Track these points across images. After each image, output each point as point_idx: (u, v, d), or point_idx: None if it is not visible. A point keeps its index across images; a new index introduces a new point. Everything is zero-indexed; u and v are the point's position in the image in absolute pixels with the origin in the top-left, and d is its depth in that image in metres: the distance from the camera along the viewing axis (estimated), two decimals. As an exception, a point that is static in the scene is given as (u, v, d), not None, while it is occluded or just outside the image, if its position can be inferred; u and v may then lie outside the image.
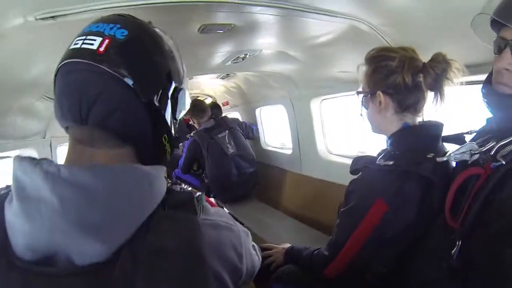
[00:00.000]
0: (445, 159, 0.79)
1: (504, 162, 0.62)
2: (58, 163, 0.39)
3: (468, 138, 0.85)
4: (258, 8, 0.96)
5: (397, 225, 0.84)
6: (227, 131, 2.62)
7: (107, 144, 0.45)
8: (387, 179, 0.86)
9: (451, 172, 0.84)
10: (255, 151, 2.95)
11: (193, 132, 2.70)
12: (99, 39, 0.43)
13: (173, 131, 0.52)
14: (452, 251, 0.69)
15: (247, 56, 1.65)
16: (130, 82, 0.44)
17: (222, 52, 1.56)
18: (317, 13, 1.02)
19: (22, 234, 0.38)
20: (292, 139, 2.54)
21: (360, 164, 0.99)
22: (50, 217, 0.37)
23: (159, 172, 0.45)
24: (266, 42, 1.43)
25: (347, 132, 2.65)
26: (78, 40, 0.45)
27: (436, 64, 0.83)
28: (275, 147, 3.05)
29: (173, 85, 0.50)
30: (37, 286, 0.36)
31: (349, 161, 1.98)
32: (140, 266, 0.38)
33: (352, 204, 0.91)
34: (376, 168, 0.90)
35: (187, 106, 0.56)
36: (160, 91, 0.48)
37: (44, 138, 1.77)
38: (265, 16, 1.05)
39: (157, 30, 0.51)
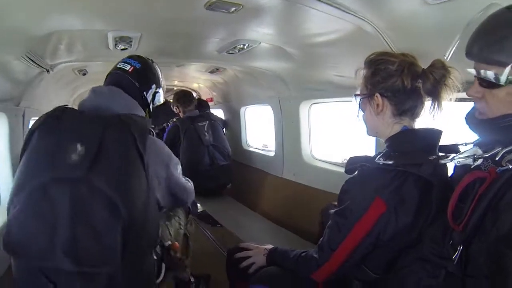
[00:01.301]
0: (448, 161, 0.78)
1: (511, 166, 0.62)
2: None
3: (462, 149, 0.85)
4: None
5: (394, 226, 0.81)
6: (207, 122, 2.73)
7: None
8: (386, 178, 0.83)
9: (449, 177, 0.83)
10: (235, 151, 2.88)
11: (176, 118, 2.86)
12: (128, 65, 1.15)
13: (151, 109, 1.22)
14: (453, 256, 0.67)
15: (245, 47, 1.60)
16: (137, 83, 1.14)
17: (220, 38, 1.50)
18: (329, 5, 1.00)
19: (91, 102, 1.03)
20: (276, 142, 2.51)
21: (357, 163, 0.96)
22: (105, 95, 1.05)
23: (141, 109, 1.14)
24: (267, 33, 1.39)
25: (332, 140, 2.68)
26: (120, 63, 1.16)
27: (435, 70, 0.83)
28: (257, 148, 3.00)
29: (154, 88, 1.20)
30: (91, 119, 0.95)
31: (333, 168, 2.00)
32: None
33: (348, 204, 0.87)
34: (375, 166, 0.87)
35: (161, 100, 1.25)
36: (148, 89, 1.18)
37: (17, 106, 1.55)
38: (276, 0, 1.00)
39: (154, 64, 1.24)
